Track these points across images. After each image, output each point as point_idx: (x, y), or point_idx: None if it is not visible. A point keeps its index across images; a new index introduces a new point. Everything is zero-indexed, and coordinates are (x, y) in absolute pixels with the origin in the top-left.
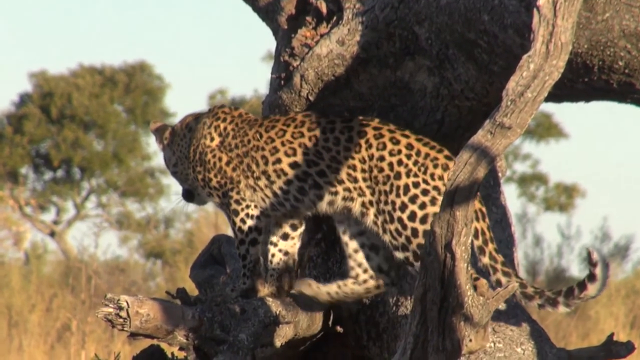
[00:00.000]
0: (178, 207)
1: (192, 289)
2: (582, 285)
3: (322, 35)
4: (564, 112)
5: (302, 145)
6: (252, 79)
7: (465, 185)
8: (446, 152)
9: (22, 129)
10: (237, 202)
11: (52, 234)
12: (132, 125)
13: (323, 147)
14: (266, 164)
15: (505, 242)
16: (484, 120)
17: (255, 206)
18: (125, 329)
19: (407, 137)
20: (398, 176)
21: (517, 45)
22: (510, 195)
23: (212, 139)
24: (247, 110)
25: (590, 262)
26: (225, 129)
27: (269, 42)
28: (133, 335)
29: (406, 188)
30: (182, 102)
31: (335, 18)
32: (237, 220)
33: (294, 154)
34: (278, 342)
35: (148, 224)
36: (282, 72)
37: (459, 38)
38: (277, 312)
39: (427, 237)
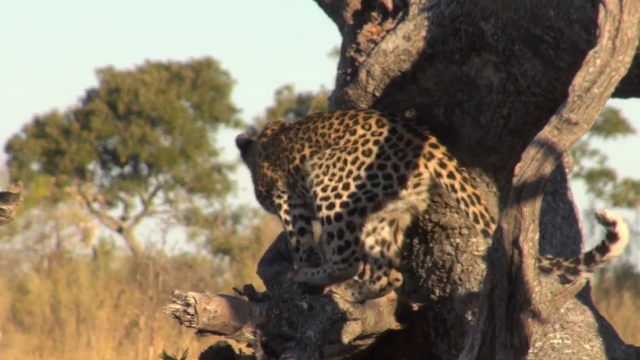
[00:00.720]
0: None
1: (260, 285)
2: (603, 248)
3: (388, 31)
4: (631, 108)
5: (309, 139)
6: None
7: (532, 181)
8: (433, 140)
9: (90, 125)
10: (279, 196)
11: (120, 230)
12: (199, 121)
13: (321, 135)
14: (289, 162)
15: (572, 238)
16: (551, 116)
17: (298, 196)
18: (192, 325)
19: (395, 122)
20: (368, 153)
21: (583, 40)
22: (578, 191)
23: (259, 155)
24: (314, 106)
25: (606, 222)
26: (267, 142)
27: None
28: (201, 332)
29: (369, 167)
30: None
31: (401, 13)
32: (282, 213)
33: (302, 149)
34: (346, 338)
35: (215, 220)
36: (348, 68)
37: (525, 34)
38: (345, 309)
39: (495, 234)
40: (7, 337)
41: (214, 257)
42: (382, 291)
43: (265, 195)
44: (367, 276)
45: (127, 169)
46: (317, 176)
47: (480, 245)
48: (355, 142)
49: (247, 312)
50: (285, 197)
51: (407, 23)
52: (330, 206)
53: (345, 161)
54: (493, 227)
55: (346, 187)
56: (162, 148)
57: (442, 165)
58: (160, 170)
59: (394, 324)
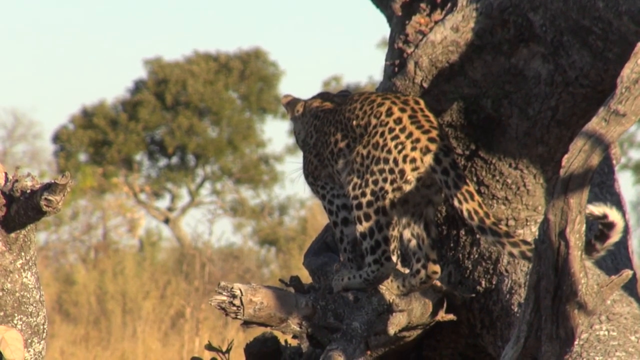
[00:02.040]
0: (296, 178)
1: (306, 277)
2: (602, 236)
3: (436, 22)
4: None
5: (340, 121)
6: (366, 66)
7: (580, 172)
8: (433, 134)
9: (137, 116)
10: (322, 187)
11: (167, 221)
12: (246, 112)
13: (347, 119)
14: (326, 147)
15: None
16: (598, 108)
17: (340, 187)
18: (238, 317)
19: (403, 111)
20: (376, 146)
21: (632, 32)
22: (626, 182)
23: (311, 137)
24: None
25: (597, 218)
26: (316, 125)
27: (384, 29)
28: (246, 323)
29: (377, 161)
30: (296, 89)
31: (449, 5)
32: (326, 203)
33: (336, 133)
34: (391, 330)
35: (262, 211)
36: (396, 59)
37: (574, 25)
38: (391, 300)
39: (541, 225)
40: (53, 328)
41: (260, 248)
42: (422, 284)
43: (311, 181)
44: (408, 270)
45: (174, 159)
46: (348, 174)
47: (527, 237)
48: (369, 134)
49: (293, 303)
50: (328, 187)
51: (455, 14)
52: (359, 206)
53: (362, 156)
54: (488, 222)
55: (367, 183)
56: (209, 139)
57: (438, 161)
58: (207, 161)
59: (440, 316)
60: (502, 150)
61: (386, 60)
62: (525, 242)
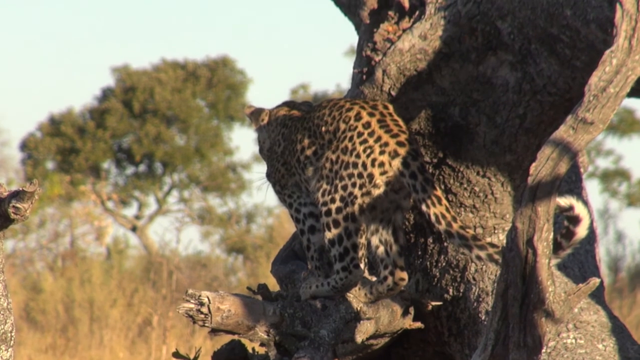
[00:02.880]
0: (261, 187)
1: (274, 285)
2: (568, 233)
3: (404, 30)
4: None
5: (309, 128)
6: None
7: (547, 180)
8: (402, 137)
9: (105, 124)
10: (290, 195)
11: (134, 229)
12: (214, 120)
13: (316, 125)
14: (293, 155)
15: (587, 237)
16: (566, 116)
17: (308, 195)
18: (206, 324)
19: (372, 115)
20: (345, 151)
21: (600, 40)
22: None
23: (279, 145)
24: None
25: (563, 210)
26: (284, 134)
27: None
28: (214, 331)
29: (346, 166)
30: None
31: (417, 12)
32: (293, 211)
33: (303, 140)
34: (359, 338)
35: (230, 219)
36: (364, 67)
37: (542, 33)
38: (358, 308)
39: (509, 233)
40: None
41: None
42: (390, 291)
43: (278, 190)
44: (375, 277)
45: (142, 167)
46: (317, 180)
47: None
48: (338, 139)
49: (261, 311)
50: (295, 196)
51: (423, 22)
52: (328, 212)
53: (331, 161)
54: (455, 226)
55: (336, 189)
56: (177, 147)
57: (406, 164)
58: (174, 169)
59: (407, 323)
60: (470, 158)
61: (354, 68)
62: (493, 245)
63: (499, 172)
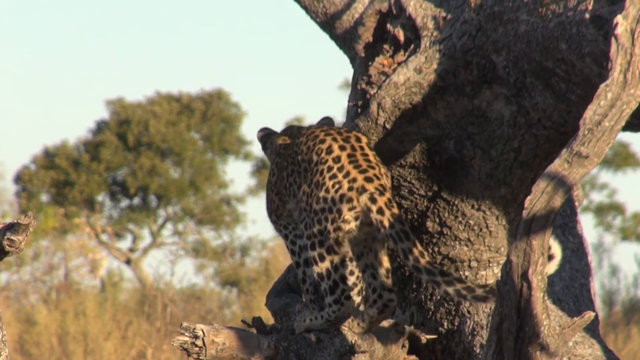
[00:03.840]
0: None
1: (268, 318)
2: None
3: (399, 63)
4: None
5: (290, 155)
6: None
7: (542, 214)
8: (370, 173)
9: (99, 157)
10: (285, 227)
11: (128, 262)
12: (208, 153)
13: (295, 153)
14: (283, 186)
15: (581, 271)
16: (561, 149)
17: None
18: (201, 357)
19: (343, 149)
20: (317, 185)
21: (595, 74)
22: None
23: (273, 175)
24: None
25: None
26: (277, 163)
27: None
28: None
29: (317, 200)
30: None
31: (412, 46)
32: (288, 243)
33: (287, 167)
34: None
35: (224, 252)
36: (359, 100)
37: (537, 66)
38: (353, 341)
39: (504, 267)
40: None
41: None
42: (380, 314)
43: (274, 220)
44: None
45: (136, 200)
46: (300, 213)
47: (489, 278)
48: (311, 171)
49: (256, 344)
50: (290, 227)
51: (418, 55)
52: (312, 246)
53: (307, 194)
54: (423, 261)
55: (313, 223)
56: (171, 180)
57: (373, 200)
58: (169, 202)
59: (402, 357)
60: (464, 192)
61: (349, 101)
62: (461, 281)
63: (494, 206)
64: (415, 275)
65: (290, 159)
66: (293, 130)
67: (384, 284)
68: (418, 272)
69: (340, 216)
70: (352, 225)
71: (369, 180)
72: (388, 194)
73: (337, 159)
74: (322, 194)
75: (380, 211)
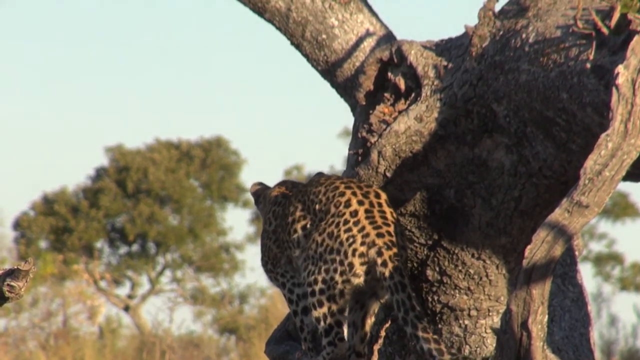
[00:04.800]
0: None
1: None
2: None
3: (400, 112)
4: None
5: (303, 201)
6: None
7: (542, 263)
8: (383, 229)
9: (98, 203)
10: (283, 275)
11: (127, 309)
12: (207, 200)
13: (311, 201)
14: (286, 232)
15: (581, 321)
16: (562, 199)
17: (299, 275)
18: None
19: (361, 204)
20: (330, 236)
21: (596, 123)
22: (586, 274)
23: (270, 224)
24: None
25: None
26: (275, 212)
27: (346, 119)
28: None
29: (330, 251)
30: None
31: (413, 94)
32: (286, 292)
33: (295, 212)
34: None
35: (222, 299)
36: (360, 148)
37: (538, 116)
38: None
39: (504, 316)
40: None
41: (220, 337)
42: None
43: (270, 269)
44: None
45: (135, 247)
46: (304, 260)
47: (489, 327)
48: (327, 221)
49: None
50: (288, 276)
51: (419, 104)
52: (313, 293)
53: (317, 243)
54: (411, 314)
55: (319, 271)
56: (170, 227)
57: (379, 253)
58: (168, 249)
59: None
60: (464, 241)
61: (350, 149)
62: (437, 342)
63: (494, 255)
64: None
65: (302, 204)
66: (287, 184)
67: (356, 346)
68: (405, 324)
69: (351, 270)
70: (362, 279)
71: (380, 235)
72: (396, 249)
73: (354, 213)
74: (335, 245)
75: (384, 264)
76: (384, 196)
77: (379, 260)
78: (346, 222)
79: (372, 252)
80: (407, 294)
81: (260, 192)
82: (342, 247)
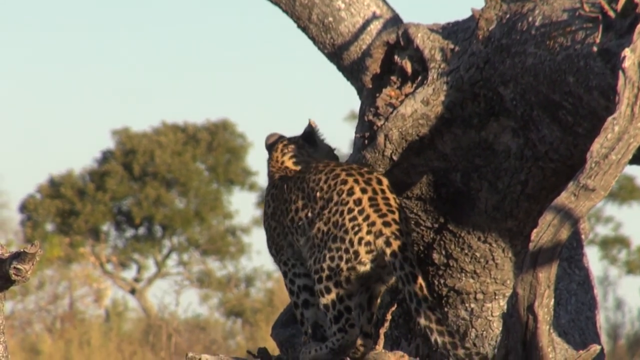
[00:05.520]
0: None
1: (273, 348)
2: None
3: (406, 95)
4: None
5: (303, 189)
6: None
7: (548, 246)
8: (389, 217)
9: (104, 186)
10: (285, 263)
11: (133, 292)
12: (214, 183)
13: (311, 189)
14: (286, 216)
15: (587, 304)
16: (568, 182)
17: (302, 264)
18: None
19: (364, 191)
20: (335, 224)
21: (602, 107)
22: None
23: (268, 206)
24: None
25: None
26: (274, 195)
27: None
28: None
29: (334, 239)
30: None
31: (420, 78)
32: (287, 282)
33: (297, 201)
34: None
35: (229, 283)
36: (366, 132)
37: (544, 99)
38: None
39: (510, 299)
40: None
41: (226, 320)
42: (345, 348)
43: (274, 253)
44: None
45: (141, 230)
46: (310, 248)
47: (495, 310)
48: (330, 210)
49: None
50: (290, 264)
51: (426, 87)
52: (320, 280)
53: (322, 232)
54: (424, 305)
55: (324, 258)
56: (176, 210)
57: (388, 243)
58: (174, 232)
59: None
60: (471, 224)
61: (356, 132)
62: (451, 335)
63: (500, 238)
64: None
65: (302, 192)
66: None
67: (364, 326)
68: (417, 315)
69: (357, 258)
70: (368, 267)
71: (387, 224)
72: (403, 239)
73: (359, 202)
74: (340, 234)
75: (393, 254)
76: (385, 182)
77: (388, 251)
78: (350, 210)
79: (380, 241)
80: (419, 285)
81: (274, 145)
82: (347, 235)
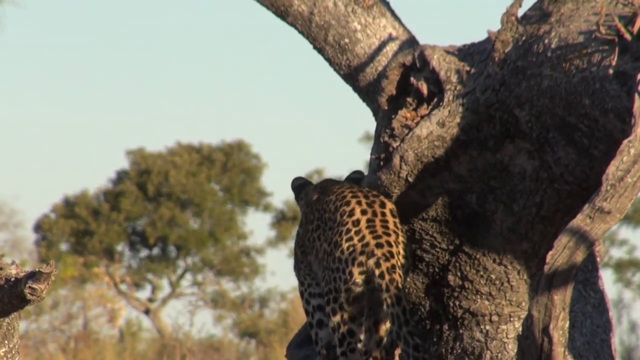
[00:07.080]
0: None
1: None
2: None
3: (422, 117)
4: None
5: (318, 210)
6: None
7: (564, 269)
8: (383, 239)
9: (119, 206)
10: (302, 283)
11: (147, 312)
12: (228, 204)
13: (323, 210)
14: (307, 239)
15: (602, 327)
16: (583, 205)
17: (317, 284)
18: None
19: (364, 213)
20: (335, 245)
21: (618, 129)
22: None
23: (300, 226)
24: None
25: None
26: (307, 214)
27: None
28: None
29: (334, 259)
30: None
31: (435, 99)
32: (304, 302)
33: (313, 222)
34: None
35: (243, 303)
36: (382, 153)
37: (560, 121)
38: None
39: (525, 321)
40: None
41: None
42: None
43: (296, 273)
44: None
45: (156, 250)
46: (319, 267)
47: (510, 332)
48: (332, 230)
49: None
50: (306, 284)
51: (441, 109)
52: (328, 301)
53: (325, 252)
54: (404, 329)
55: (329, 280)
56: (191, 230)
57: (377, 264)
58: (188, 253)
59: None
60: (486, 246)
61: (372, 154)
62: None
63: (516, 260)
64: (436, 329)
65: (318, 213)
66: (327, 184)
67: (372, 351)
68: (397, 339)
69: (351, 278)
70: (362, 288)
71: (379, 246)
72: (394, 261)
73: (357, 223)
74: (337, 254)
75: (381, 275)
76: (389, 206)
77: (377, 272)
78: (348, 231)
79: (371, 262)
80: (402, 308)
81: (301, 187)
82: (343, 255)
